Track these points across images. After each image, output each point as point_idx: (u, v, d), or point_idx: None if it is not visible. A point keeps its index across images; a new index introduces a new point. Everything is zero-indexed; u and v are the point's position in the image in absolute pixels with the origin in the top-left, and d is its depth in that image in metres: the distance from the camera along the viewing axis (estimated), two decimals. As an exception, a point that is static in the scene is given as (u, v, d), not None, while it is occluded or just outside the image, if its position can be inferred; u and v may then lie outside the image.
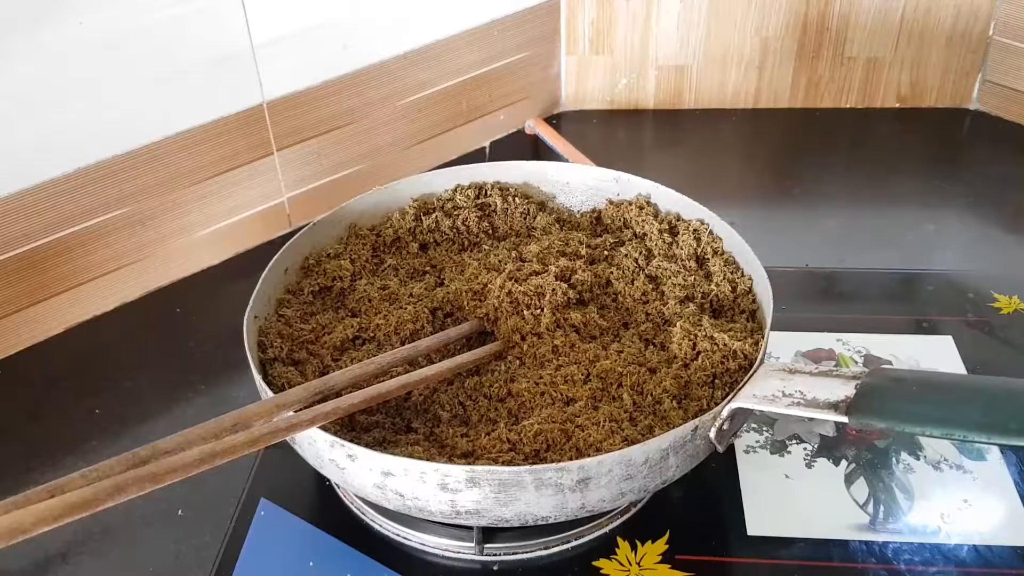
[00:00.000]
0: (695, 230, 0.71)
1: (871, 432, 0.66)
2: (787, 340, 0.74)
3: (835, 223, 0.92)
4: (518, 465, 0.51)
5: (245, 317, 0.61)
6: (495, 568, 0.58)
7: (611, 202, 0.75)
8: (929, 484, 0.62)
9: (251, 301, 0.62)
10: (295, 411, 0.53)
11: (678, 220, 0.73)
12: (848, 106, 1.11)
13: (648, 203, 0.74)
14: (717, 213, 0.71)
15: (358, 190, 0.76)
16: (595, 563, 0.57)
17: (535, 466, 0.49)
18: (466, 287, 0.66)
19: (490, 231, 0.75)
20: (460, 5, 0.95)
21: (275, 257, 0.66)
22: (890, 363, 0.72)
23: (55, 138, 0.72)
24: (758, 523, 0.60)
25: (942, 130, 1.08)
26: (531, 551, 0.58)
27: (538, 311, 0.63)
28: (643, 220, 0.73)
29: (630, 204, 0.74)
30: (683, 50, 1.08)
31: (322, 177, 0.92)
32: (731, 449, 0.65)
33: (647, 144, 1.09)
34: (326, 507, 0.62)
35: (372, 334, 0.64)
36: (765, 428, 0.67)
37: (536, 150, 1.05)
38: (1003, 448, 0.65)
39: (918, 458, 0.64)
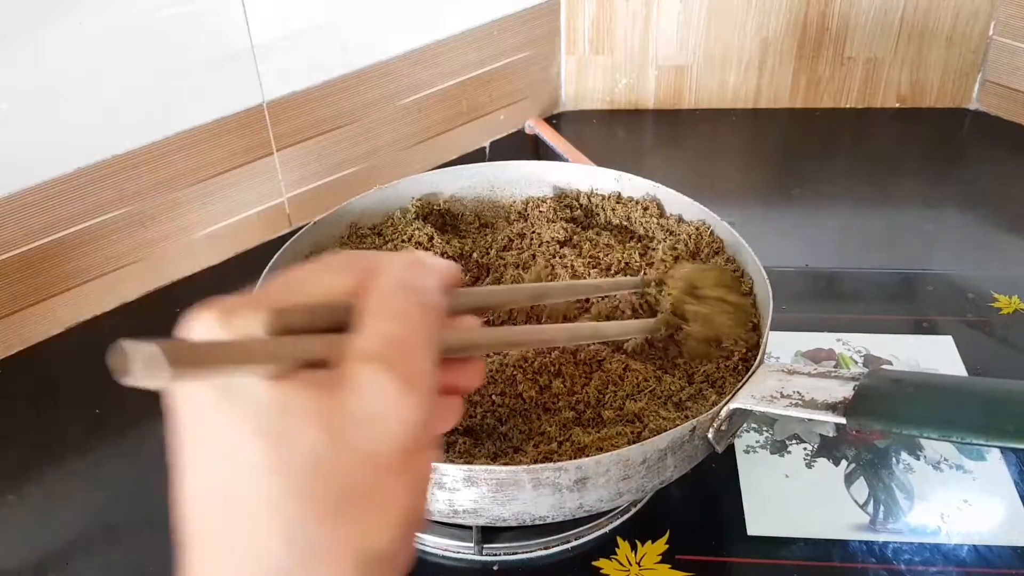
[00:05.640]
0: (696, 230, 0.71)
1: (871, 432, 0.66)
2: (787, 340, 0.74)
3: (835, 223, 0.92)
4: (518, 464, 0.51)
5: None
6: (495, 568, 0.58)
7: (617, 201, 0.75)
8: (929, 484, 0.62)
9: (251, 301, 0.61)
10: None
11: (679, 220, 0.73)
12: (848, 106, 1.11)
13: (652, 203, 0.74)
14: (717, 213, 0.71)
15: (358, 190, 0.76)
16: (595, 563, 0.58)
17: (532, 465, 0.49)
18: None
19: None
20: (460, 5, 0.95)
21: (275, 257, 0.66)
22: (890, 363, 0.72)
23: (55, 138, 0.72)
24: (758, 523, 0.60)
25: (942, 130, 1.08)
26: (531, 551, 0.58)
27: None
28: (646, 220, 0.73)
29: (636, 203, 0.74)
30: (683, 50, 1.08)
31: (322, 177, 0.92)
32: (731, 449, 0.65)
33: (647, 144, 1.09)
34: (326, 507, 0.62)
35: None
36: (765, 428, 0.67)
37: (536, 150, 1.05)
38: (1002, 449, 0.65)
39: (918, 458, 0.64)
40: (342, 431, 0.26)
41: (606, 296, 0.65)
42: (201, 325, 0.27)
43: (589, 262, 0.69)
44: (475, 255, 0.72)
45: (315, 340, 0.28)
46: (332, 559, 0.26)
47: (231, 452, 0.26)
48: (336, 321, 0.28)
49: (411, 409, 0.27)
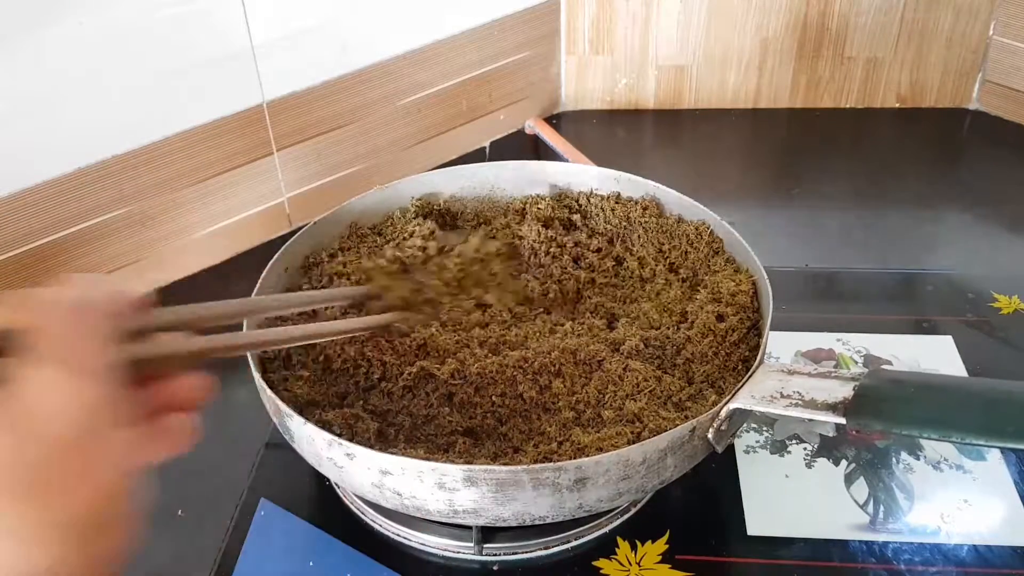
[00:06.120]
0: (696, 230, 0.71)
1: (871, 432, 0.66)
2: (787, 340, 0.74)
3: (835, 223, 0.92)
4: (518, 464, 0.51)
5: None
6: (495, 568, 0.58)
7: (617, 201, 0.75)
8: (929, 484, 0.62)
9: (251, 301, 0.62)
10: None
11: (679, 220, 0.73)
12: (848, 106, 1.11)
13: (652, 203, 0.74)
14: (717, 213, 0.71)
15: (358, 190, 0.76)
16: (595, 563, 0.58)
17: (532, 465, 0.49)
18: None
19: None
20: (460, 5, 0.95)
21: (275, 256, 0.66)
22: (890, 363, 0.72)
23: (55, 138, 0.72)
24: (758, 523, 0.60)
25: (942, 130, 1.08)
26: (531, 551, 0.58)
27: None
28: (646, 220, 0.73)
29: (636, 203, 0.74)
30: (683, 50, 1.08)
31: (322, 177, 0.92)
32: (731, 449, 0.65)
33: (647, 144, 1.09)
34: (326, 507, 0.62)
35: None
36: (765, 428, 0.67)
37: (536, 150, 1.05)
38: (1002, 449, 0.65)
39: (918, 458, 0.64)
40: (15, 423, 0.29)
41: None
42: None
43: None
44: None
45: None
46: (25, 536, 0.29)
47: None
48: (13, 349, 0.31)
49: (80, 393, 0.30)
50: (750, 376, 0.55)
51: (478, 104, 1.02)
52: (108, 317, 0.33)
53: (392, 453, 0.51)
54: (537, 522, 0.52)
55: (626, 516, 0.60)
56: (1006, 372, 0.71)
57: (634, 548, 0.58)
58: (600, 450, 0.52)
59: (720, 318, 0.62)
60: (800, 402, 0.52)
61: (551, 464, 0.49)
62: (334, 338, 0.60)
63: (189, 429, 0.36)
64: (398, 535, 0.60)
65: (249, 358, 0.58)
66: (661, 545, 0.58)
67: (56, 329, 0.31)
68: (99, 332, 0.32)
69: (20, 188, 0.72)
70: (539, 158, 0.94)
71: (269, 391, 0.55)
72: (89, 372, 0.30)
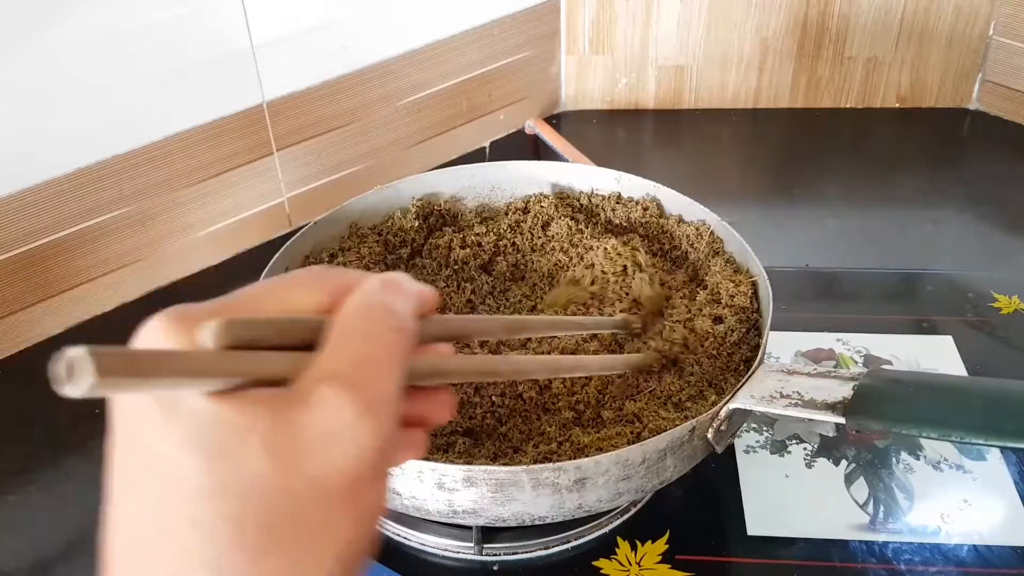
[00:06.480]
0: (696, 230, 0.71)
1: (871, 432, 0.66)
2: (787, 340, 0.74)
3: (835, 223, 0.92)
4: (517, 464, 0.51)
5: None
6: (495, 568, 0.58)
7: (617, 201, 0.75)
8: (929, 484, 0.62)
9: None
10: None
11: (679, 220, 0.73)
12: (848, 106, 1.11)
13: (652, 203, 0.74)
14: (717, 213, 0.71)
15: (358, 190, 0.76)
16: (595, 563, 0.58)
17: (532, 466, 0.49)
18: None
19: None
20: (460, 5, 0.95)
21: (276, 256, 0.66)
22: (890, 363, 0.72)
23: (55, 138, 0.72)
24: (758, 523, 0.60)
25: (942, 130, 1.08)
26: (531, 551, 0.58)
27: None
28: (646, 220, 0.73)
29: (636, 203, 0.74)
30: (683, 50, 1.08)
31: (322, 177, 0.92)
32: (731, 449, 0.65)
33: (647, 144, 1.09)
34: (325, 507, 0.62)
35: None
36: (765, 428, 0.67)
37: (536, 150, 1.05)
38: (1002, 449, 0.65)
39: (918, 458, 0.64)
40: (289, 453, 0.24)
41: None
42: (149, 333, 0.25)
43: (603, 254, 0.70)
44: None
45: (273, 357, 0.25)
46: None
47: (162, 470, 0.24)
48: (303, 339, 0.26)
49: (368, 435, 0.25)
50: (750, 376, 0.55)
51: (478, 104, 1.02)
52: (406, 331, 0.27)
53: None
54: (537, 522, 0.52)
55: (626, 516, 0.60)
56: (1006, 372, 0.71)
57: (634, 548, 0.58)
58: (600, 450, 0.52)
59: (720, 319, 0.62)
60: (800, 402, 0.52)
61: (551, 464, 0.49)
62: (595, 374, 0.59)
63: (423, 446, 0.31)
64: (398, 535, 0.60)
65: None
66: (661, 545, 0.58)
67: (358, 338, 0.26)
68: (398, 351, 0.27)
69: (20, 188, 0.72)
70: (539, 158, 0.94)
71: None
72: (383, 408, 0.25)
